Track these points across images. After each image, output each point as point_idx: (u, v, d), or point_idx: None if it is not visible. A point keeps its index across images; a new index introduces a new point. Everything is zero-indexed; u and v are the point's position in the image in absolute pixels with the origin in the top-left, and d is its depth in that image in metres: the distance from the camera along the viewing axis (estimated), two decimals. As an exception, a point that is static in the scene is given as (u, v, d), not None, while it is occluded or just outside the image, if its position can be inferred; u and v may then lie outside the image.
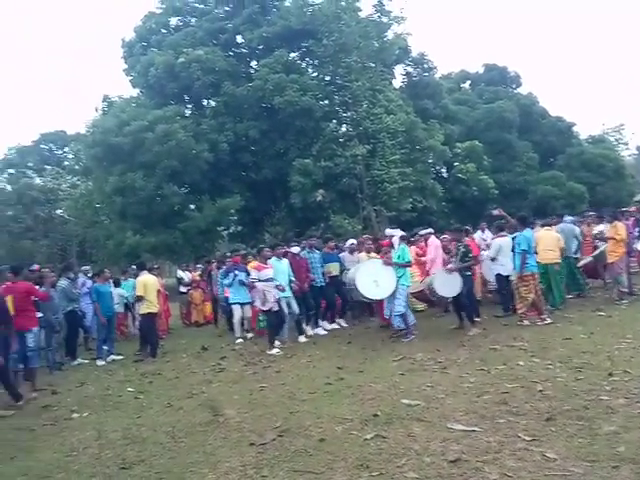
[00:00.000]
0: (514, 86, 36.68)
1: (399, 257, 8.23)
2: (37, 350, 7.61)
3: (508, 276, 9.09)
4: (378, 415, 4.65)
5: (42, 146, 38.76)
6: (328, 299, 9.97)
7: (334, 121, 23.93)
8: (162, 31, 25.68)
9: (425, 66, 28.66)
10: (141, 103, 23.93)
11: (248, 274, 9.49)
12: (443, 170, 29.57)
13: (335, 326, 10.04)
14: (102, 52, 72.70)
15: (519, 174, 30.50)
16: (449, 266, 8.30)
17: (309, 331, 9.52)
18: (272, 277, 8.67)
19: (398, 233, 8.77)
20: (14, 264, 8.53)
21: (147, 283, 9.16)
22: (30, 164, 36.98)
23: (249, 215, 25.12)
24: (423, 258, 10.16)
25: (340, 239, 13.12)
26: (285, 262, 9.09)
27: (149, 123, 20.71)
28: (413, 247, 10.25)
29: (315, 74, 24.76)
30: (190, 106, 25.38)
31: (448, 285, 8.20)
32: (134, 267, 10.98)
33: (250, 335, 9.95)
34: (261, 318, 9.58)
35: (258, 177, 23.59)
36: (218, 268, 11.41)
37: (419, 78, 28.53)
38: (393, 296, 8.14)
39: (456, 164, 27.26)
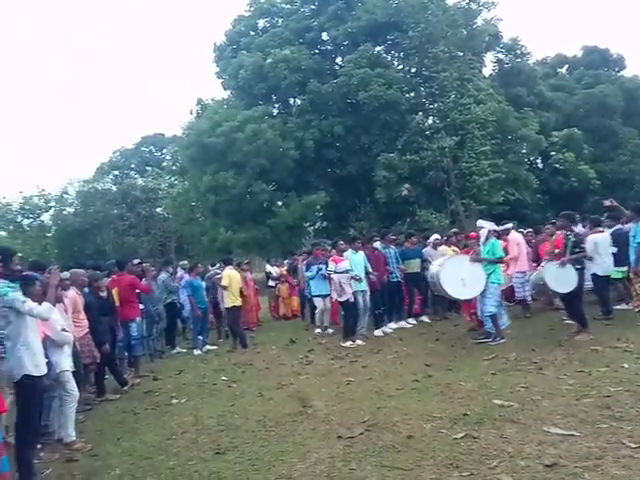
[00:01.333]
0: (617, 69, 33.84)
1: (489, 252, 7.71)
2: (140, 339, 8.19)
3: (607, 276, 8.32)
4: (468, 414, 4.53)
5: (143, 148, 41.54)
6: (402, 295, 9.94)
7: (420, 113, 23.45)
8: (251, 33, 26.47)
9: (518, 52, 27.25)
10: (232, 104, 24.86)
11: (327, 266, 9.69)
12: (538, 160, 28.01)
13: (414, 322, 9.95)
14: (196, 57, 76.26)
15: (623, 163, 28.13)
16: (563, 259, 7.26)
17: (390, 325, 9.53)
18: (349, 269, 8.79)
19: (490, 225, 8.10)
20: (119, 259, 9.24)
21: (232, 277, 9.60)
22: (133, 166, 39.75)
23: (334, 211, 25.32)
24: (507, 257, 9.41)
25: (425, 234, 12.84)
26: (361, 254, 9.10)
27: (239, 123, 21.47)
28: (500, 242, 9.75)
29: (400, 67, 24.40)
30: (277, 105, 25.98)
31: (562, 280, 7.23)
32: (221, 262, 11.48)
33: (331, 330, 10.08)
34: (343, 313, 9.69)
35: (343, 173, 23.70)
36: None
37: (511, 65, 27.18)
38: (483, 295, 7.66)
39: (553, 154, 25.69)
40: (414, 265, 9.95)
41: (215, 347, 9.72)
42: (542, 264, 8.22)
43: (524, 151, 24.97)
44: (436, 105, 22.64)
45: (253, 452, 4.30)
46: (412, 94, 23.48)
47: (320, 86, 22.33)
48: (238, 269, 10.83)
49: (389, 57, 25.01)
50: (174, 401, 6.27)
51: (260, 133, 21.14)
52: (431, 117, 23.76)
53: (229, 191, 21.42)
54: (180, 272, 11.46)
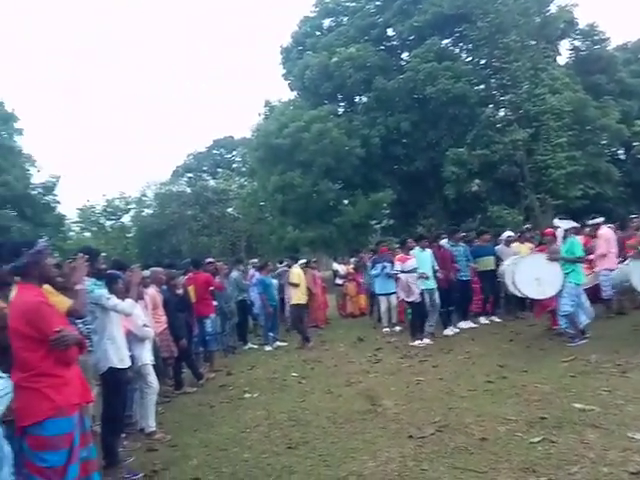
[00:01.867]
0: None
1: (567, 251, 7.31)
2: (214, 335, 8.48)
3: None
4: (546, 418, 4.35)
5: (214, 151, 42.97)
6: (471, 294, 9.68)
7: (490, 106, 22.64)
8: (316, 33, 26.66)
9: (595, 38, 25.67)
10: (298, 105, 25.17)
11: (393, 265, 9.59)
12: (620, 151, 26.31)
13: (487, 322, 9.67)
14: (264, 60, 77.85)
15: None
16: None
17: (460, 324, 9.34)
18: (415, 267, 8.65)
19: (567, 224, 7.65)
20: (195, 258, 9.63)
21: (300, 274, 9.82)
22: (205, 168, 41.20)
23: (401, 208, 25.03)
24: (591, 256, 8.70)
25: (497, 230, 12.40)
26: (428, 252, 8.91)
27: (305, 123, 21.71)
28: (580, 238, 9.22)
29: (469, 59, 23.69)
30: (343, 104, 26.01)
31: None
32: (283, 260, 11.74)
33: (399, 328, 10.03)
34: (409, 311, 9.56)
35: (410, 169, 23.37)
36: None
37: (589, 52, 25.66)
38: (559, 294, 7.26)
39: (636, 144, 24.05)
40: (487, 263, 9.68)
41: (285, 344, 9.90)
42: (626, 262, 7.73)
43: (604, 142, 23.52)
44: (508, 97, 21.76)
45: (324, 448, 4.35)
46: (482, 86, 22.72)
47: (386, 82, 22.13)
48: (306, 267, 11.02)
49: (457, 50, 24.34)
50: (247, 395, 6.45)
51: (326, 132, 21.28)
52: (502, 109, 22.86)
53: (296, 190, 21.72)
54: (251, 270, 11.77)
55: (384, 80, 22.22)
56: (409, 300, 8.85)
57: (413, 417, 4.85)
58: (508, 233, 10.41)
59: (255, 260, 13.17)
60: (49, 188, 28.12)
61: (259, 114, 27.83)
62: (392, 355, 7.93)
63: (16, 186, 24.77)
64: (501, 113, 22.80)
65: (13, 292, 3.07)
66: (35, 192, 27.35)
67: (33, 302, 2.91)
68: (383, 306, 10.32)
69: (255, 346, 10.13)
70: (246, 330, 10.61)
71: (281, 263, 12.93)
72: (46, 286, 3.22)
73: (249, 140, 27.88)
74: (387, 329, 10.05)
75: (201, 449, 4.72)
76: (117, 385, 4.56)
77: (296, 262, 10.52)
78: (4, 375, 2.12)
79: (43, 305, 2.94)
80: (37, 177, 27.93)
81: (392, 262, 9.76)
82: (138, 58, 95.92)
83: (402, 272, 8.92)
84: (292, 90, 27.29)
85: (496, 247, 10.05)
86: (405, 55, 24.75)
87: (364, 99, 24.60)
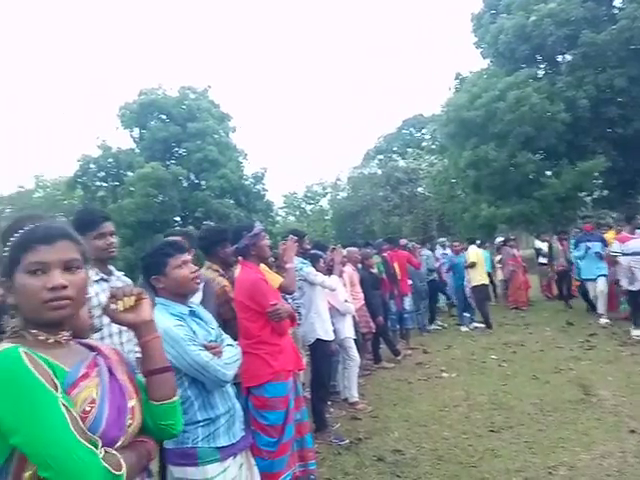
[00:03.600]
0: None
1: None
2: (411, 313, 8.60)
3: None
4: None
5: (404, 131, 42.99)
6: None
7: None
8: (510, -7, 24.67)
9: None
10: (491, 73, 23.70)
11: (605, 244, 8.40)
12: None
13: None
14: (452, 33, 74.95)
15: None
16: None
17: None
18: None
19: None
20: (388, 236, 9.86)
21: (478, 254, 9.37)
22: (395, 149, 41.51)
23: (617, 177, 21.92)
24: None
25: None
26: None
27: (500, 92, 20.37)
28: None
29: None
30: (543, 66, 23.69)
31: None
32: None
33: (604, 321, 8.42)
34: (622, 300, 8.30)
35: (627, 132, 20.30)
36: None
37: None
38: None
39: None
40: None
41: (482, 325, 9.56)
42: None
43: None
44: None
45: (530, 435, 4.13)
46: None
47: (595, 36, 19.50)
48: (503, 246, 10.46)
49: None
50: (444, 375, 6.43)
51: (524, 99, 19.66)
52: None
53: (490, 165, 20.58)
54: (441, 250, 11.60)
55: (592, 34, 19.61)
56: (633, 289, 7.51)
57: (635, 410, 4.33)
58: None
59: (443, 239, 12.92)
60: (259, 178, 31.26)
61: (449, 88, 26.96)
62: (609, 342, 7.12)
63: (232, 178, 28.08)
64: None
65: (237, 270, 3.53)
66: (247, 182, 30.66)
67: (253, 279, 3.30)
68: (591, 292, 9.07)
69: (445, 325, 10.02)
70: (435, 310, 10.48)
71: (473, 243, 12.48)
72: (262, 265, 3.62)
73: (439, 116, 27.19)
74: (606, 321, 8.46)
75: (401, 423, 4.86)
76: (323, 355, 4.93)
77: (473, 243, 10.21)
78: (234, 343, 2.46)
79: (261, 282, 3.31)
80: (248, 169, 31.28)
81: (602, 241, 8.57)
82: (321, 44, 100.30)
83: (623, 254, 7.58)
84: (484, 58, 25.74)
85: None
86: (618, 2, 21.47)
87: (568, 58, 22.06)
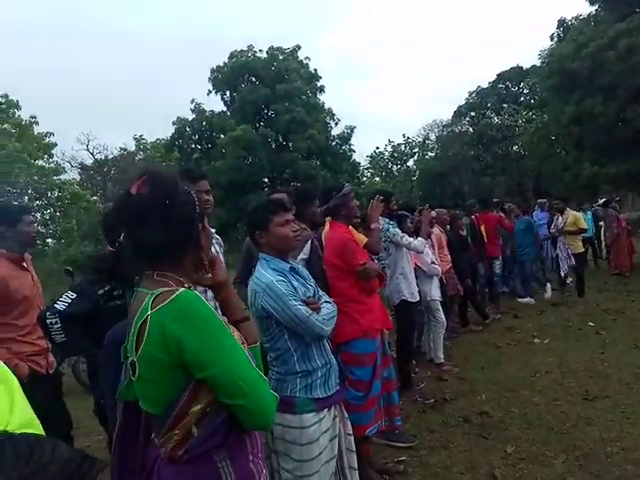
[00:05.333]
0: None
1: None
2: (501, 276, 8.34)
3: None
4: None
5: (499, 85, 40.49)
6: None
7: None
8: None
9: None
10: (600, 19, 21.56)
11: None
12: None
13: None
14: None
15: None
16: None
17: None
18: None
19: None
20: (481, 197, 9.48)
21: (578, 219, 8.63)
22: (489, 105, 39.34)
23: None
24: None
25: None
26: None
27: (609, 40, 18.52)
28: None
29: None
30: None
31: None
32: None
33: None
34: None
35: None
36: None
37: None
38: None
39: None
40: None
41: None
42: None
43: None
44: None
45: (628, 405, 3.94)
46: None
47: None
48: (606, 208, 9.69)
49: None
50: (536, 340, 6.22)
51: (637, 47, 17.76)
52: None
53: (596, 120, 18.99)
54: (537, 212, 11.02)
55: None
56: None
57: None
58: None
59: (543, 200, 12.21)
60: (345, 139, 31.07)
61: (551, 37, 24.93)
62: None
63: (319, 139, 28.14)
64: None
65: (325, 229, 3.60)
66: (334, 143, 30.61)
67: (342, 238, 3.36)
68: None
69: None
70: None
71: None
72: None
73: (539, 68, 25.31)
74: None
75: (489, 386, 4.81)
76: (408, 316, 4.95)
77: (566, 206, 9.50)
78: (331, 300, 2.54)
79: (350, 241, 3.36)
80: (335, 129, 31.13)
81: None
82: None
83: None
84: (592, 4, 23.42)
85: None
86: None
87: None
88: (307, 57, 30.21)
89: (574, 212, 9.05)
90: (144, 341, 1.24)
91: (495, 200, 9.45)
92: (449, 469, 3.35)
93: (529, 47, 74.11)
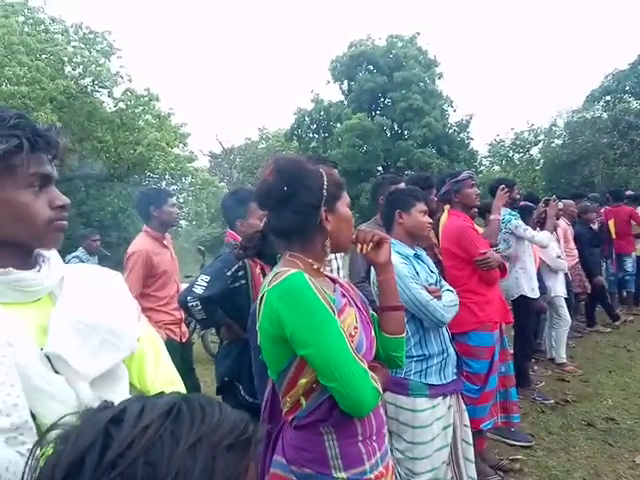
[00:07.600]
0: None
1: None
2: (633, 275, 7.64)
3: None
4: None
5: (640, 67, 36.49)
6: None
7: None
8: None
9: None
10: None
11: None
12: None
13: None
14: None
15: None
16: None
17: None
18: None
19: None
20: (613, 189, 8.73)
21: None
22: (627, 88, 35.63)
23: None
24: None
25: None
26: None
27: None
28: None
29: None
30: None
31: None
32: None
33: None
34: None
35: None
36: None
37: None
38: None
39: None
40: None
41: None
42: None
43: None
44: None
45: None
46: None
47: None
48: None
49: None
50: (675, 347, 5.65)
51: None
52: None
53: None
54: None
55: None
56: None
57: None
58: None
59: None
60: (463, 126, 29.96)
61: None
62: None
63: (436, 126, 27.37)
64: None
65: (443, 217, 3.54)
66: (451, 131, 29.64)
67: (461, 226, 3.29)
68: None
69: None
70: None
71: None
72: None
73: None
74: None
75: (616, 391, 4.48)
76: (527, 312, 4.72)
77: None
78: (452, 289, 2.53)
79: (469, 229, 3.29)
80: (453, 117, 30.11)
81: None
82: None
83: None
84: None
85: None
86: None
87: None
88: (427, 43, 29.52)
89: None
90: (261, 313, 1.37)
91: (629, 192, 8.63)
92: (569, 473, 3.19)
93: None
